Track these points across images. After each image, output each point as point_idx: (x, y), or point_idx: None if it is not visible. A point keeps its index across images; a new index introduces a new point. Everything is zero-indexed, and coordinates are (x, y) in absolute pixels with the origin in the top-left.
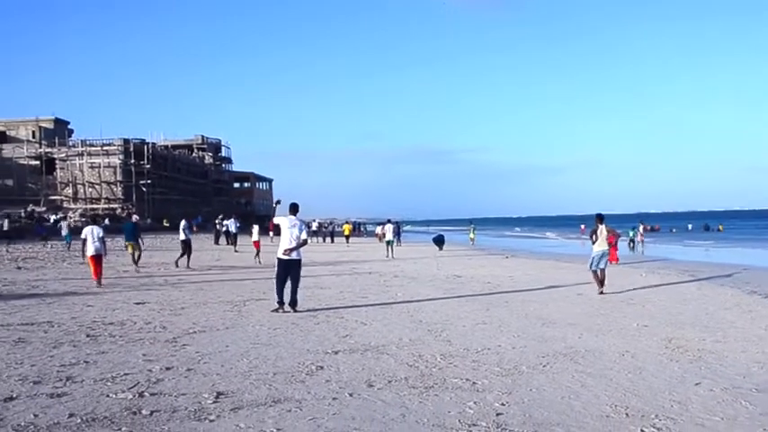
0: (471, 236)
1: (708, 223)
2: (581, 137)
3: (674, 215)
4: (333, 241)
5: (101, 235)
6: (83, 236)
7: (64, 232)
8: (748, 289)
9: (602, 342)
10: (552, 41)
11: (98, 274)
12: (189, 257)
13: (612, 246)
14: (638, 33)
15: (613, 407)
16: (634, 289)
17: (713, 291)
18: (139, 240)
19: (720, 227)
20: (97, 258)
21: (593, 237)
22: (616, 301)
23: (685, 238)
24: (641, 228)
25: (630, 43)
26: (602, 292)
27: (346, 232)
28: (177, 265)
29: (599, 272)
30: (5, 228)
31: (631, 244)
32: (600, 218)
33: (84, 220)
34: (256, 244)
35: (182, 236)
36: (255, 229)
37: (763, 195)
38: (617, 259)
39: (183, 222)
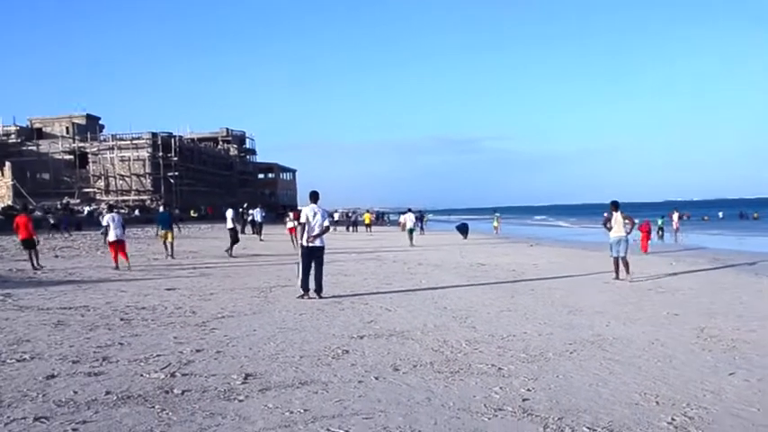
0: (495, 224)
1: (743, 210)
2: (604, 123)
3: (702, 203)
4: (356, 230)
5: (121, 222)
6: (104, 223)
7: (104, 223)
8: None
9: (630, 330)
10: (569, 34)
11: (124, 256)
12: (232, 246)
13: (645, 233)
14: (657, 18)
15: (643, 395)
16: (663, 277)
17: (747, 279)
18: (174, 228)
19: (756, 214)
20: (120, 244)
21: (608, 224)
22: (645, 289)
23: (718, 227)
24: (676, 216)
25: (649, 32)
26: (617, 278)
27: (366, 221)
28: (231, 255)
29: (620, 259)
30: (53, 222)
31: (660, 233)
32: (615, 205)
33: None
34: (292, 230)
35: (229, 224)
36: (290, 217)
37: None
38: (647, 249)
39: (229, 211)
